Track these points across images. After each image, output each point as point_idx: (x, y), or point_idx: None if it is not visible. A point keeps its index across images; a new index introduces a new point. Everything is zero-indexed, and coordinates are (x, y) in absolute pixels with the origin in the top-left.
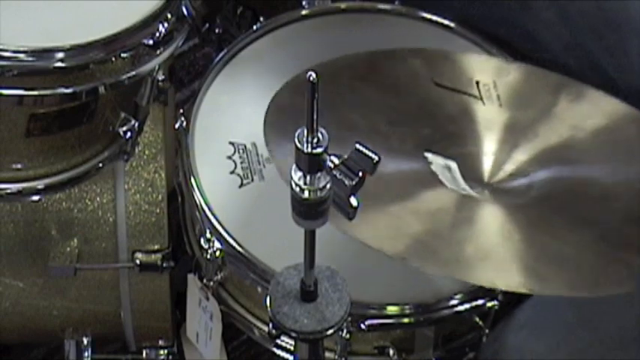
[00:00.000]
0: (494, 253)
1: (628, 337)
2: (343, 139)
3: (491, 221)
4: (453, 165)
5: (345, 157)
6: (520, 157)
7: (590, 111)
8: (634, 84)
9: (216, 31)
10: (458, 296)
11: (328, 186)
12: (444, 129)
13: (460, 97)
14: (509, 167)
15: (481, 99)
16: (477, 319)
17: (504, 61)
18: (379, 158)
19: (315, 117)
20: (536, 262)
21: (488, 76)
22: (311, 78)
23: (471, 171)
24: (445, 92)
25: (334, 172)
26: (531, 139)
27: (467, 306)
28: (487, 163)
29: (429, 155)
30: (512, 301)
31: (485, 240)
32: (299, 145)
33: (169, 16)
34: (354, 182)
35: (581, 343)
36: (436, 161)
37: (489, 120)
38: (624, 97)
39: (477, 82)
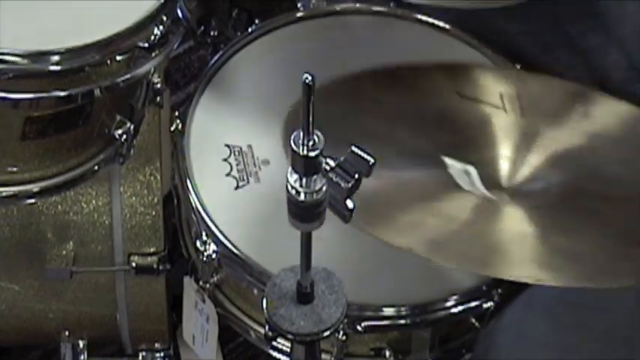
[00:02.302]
0: (512, 250)
1: (618, 337)
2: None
3: (509, 222)
4: (472, 169)
5: (341, 159)
6: (536, 161)
7: (603, 116)
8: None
9: (212, 33)
10: (454, 297)
11: (324, 188)
12: (462, 135)
13: (483, 106)
14: (526, 171)
15: (504, 109)
16: (473, 320)
17: (526, 72)
18: (375, 161)
19: (310, 119)
20: (551, 257)
21: (512, 88)
22: (307, 80)
23: (489, 175)
24: (468, 102)
25: (330, 175)
26: (547, 144)
27: (463, 307)
28: (505, 167)
29: (446, 159)
30: (509, 302)
31: (503, 238)
32: (295, 147)
33: (164, 18)
34: (349, 185)
35: (571, 342)
36: (454, 166)
37: (507, 127)
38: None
39: (501, 94)
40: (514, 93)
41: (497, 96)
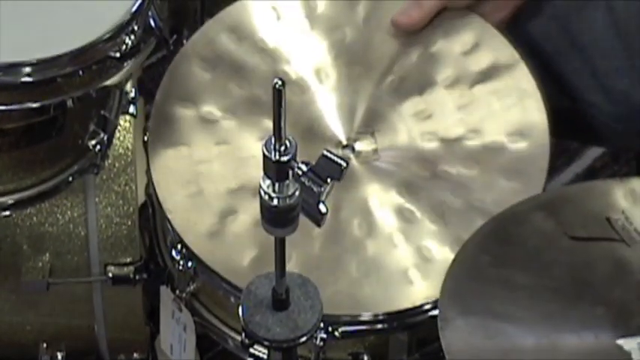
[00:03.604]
0: None
1: None
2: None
3: None
4: None
5: (313, 164)
6: None
7: None
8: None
9: (184, 42)
10: (432, 301)
11: (297, 193)
12: (612, 298)
13: (601, 246)
14: None
15: (623, 240)
16: None
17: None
18: (347, 164)
19: (281, 124)
20: None
21: (615, 206)
22: (277, 85)
23: None
24: (584, 246)
25: (302, 179)
26: None
27: None
28: None
29: (621, 342)
30: None
31: None
32: (267, 153)
33: (136, 28)
34: (322, 189)
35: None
36: (632, 345)
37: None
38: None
39: (608, 220)
40: (619, 213)
41: (605, 224)
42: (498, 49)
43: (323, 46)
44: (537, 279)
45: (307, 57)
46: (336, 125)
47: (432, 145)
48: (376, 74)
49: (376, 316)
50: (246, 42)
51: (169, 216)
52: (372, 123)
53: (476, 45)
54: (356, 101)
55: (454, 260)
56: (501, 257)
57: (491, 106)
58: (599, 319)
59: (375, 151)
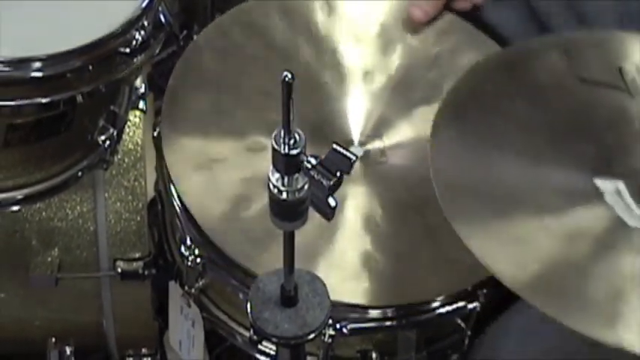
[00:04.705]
0: (628, 303)
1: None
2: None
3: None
4: (621, 186)
5: (322, 157)
6: None
7: None
8: None
9: (194, 38)
10: (440, 298)
11: (306, 187)
12: (603, 142)
13: (607, 93)
14: None
15: (629, 92)
16: (459, 321)
17: None
18: (356, 157)
19: (290, 117)
20: None
21: (631, 58)
22: (287, 78)
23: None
24: (591, 90)
25: (312, 173)
26: None
27: (449, 308)
28: None
29: (599, 182)
30: (494, 303)
31: (623, 282)
32: (276, 146)
33: (146, 23)
34: (331, 182)
35: (570, 352)
36: (607, 188)
37: None
38: None
39: (620, 69)
40: (633, 66)
41: (616, 73)
42: None
43: (335, 48)
44: (536, 113)
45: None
46: (346, 127)
47: None
48: (384, 78)
49: (385, 312)
50: (257, 38)
51: (184, 198)
52: (381, 128)
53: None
54: (366, 105)
55: (459, 81)
56: (505, 87)
57: None
58: (586, 158)
59: (383, 152)
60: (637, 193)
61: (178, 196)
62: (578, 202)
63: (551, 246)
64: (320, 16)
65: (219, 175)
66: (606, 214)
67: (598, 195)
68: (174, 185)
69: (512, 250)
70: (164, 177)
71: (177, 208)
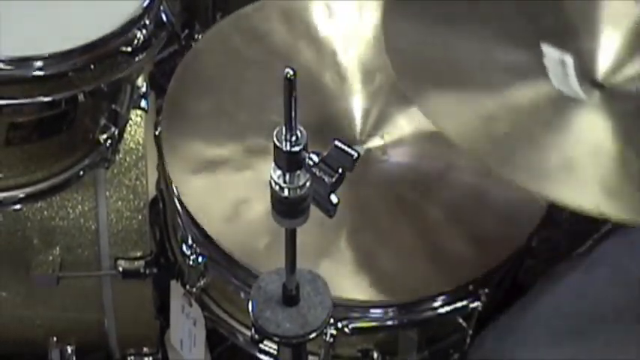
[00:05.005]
0: (579, 168)
1: (614, 351)
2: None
3: (588, 129)
4: (569, 60)
5: (324, 154)
6: None
7: None
8: None
9: (196, 37)
10: (441, 298)
11: (308, 184)
12: (566, 20)
13: None
14: (631, 70)
15: None
16: (461, 321)
17: None
18: (358, 154)
19: (293, 115)
20: (622, 184)
21: None
22: (288, 75)
23: (584, 69)
24: None
25: (314, 170)
26: None
27: (450, 307)
28: (605, 61)
29: (544, 47)
30: (495, 303)
31: (573, 150)
32: (277, 143)
33: (147, 22)
34: (333, 179)
35: (567, 354)
36: (551, 54)
37: (617, 14)
38: None
39: None
40: None
41: None
42: None
43: (335, 49)
44: None
45: (322, 59)
46: (347, 127)
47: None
48: (384, 78)
49: (386, 311)
50: (257, 41)
51: (184, 199)
52: (382, 127)
53: None
54: (367, 104)
55: None
56: None
57: None
58: (544, 30)
59: (384, 151)
60: (581, 72)
61: (179, 196)
62: (525, 78)
63: (497, 111)
64: (319, 18)
65: (219, 175)
66: (552, 90)
67: (544, 71)
68: (175, 184)
69: (459, 109)
70: (165, 176)
71: (178, 206)
